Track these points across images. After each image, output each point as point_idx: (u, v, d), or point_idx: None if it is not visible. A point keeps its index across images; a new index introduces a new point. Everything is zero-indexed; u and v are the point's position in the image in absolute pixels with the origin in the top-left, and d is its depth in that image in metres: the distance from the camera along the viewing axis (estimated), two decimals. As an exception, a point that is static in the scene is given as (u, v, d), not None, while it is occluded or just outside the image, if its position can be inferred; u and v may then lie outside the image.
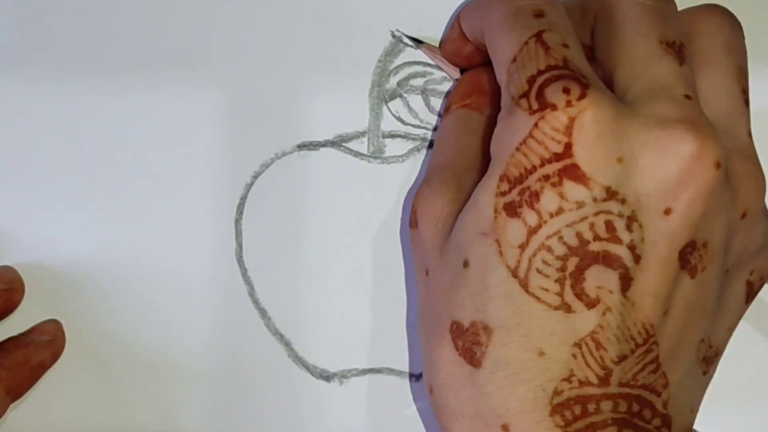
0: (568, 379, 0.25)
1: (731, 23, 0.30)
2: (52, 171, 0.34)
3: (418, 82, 0.35)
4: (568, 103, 0.25)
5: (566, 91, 0.25)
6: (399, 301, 0.34)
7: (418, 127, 0.35)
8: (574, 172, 0.25)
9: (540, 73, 0.26)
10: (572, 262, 0.25)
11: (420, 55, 0.35)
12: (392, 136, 0.35)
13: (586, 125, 0.25)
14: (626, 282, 0.25)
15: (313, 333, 0.34)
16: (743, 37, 0.30)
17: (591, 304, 0.25)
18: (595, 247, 0.25)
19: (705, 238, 0.26)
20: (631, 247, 0.25)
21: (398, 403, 0.34)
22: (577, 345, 0.24)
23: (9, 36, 0.35)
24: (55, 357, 0.33)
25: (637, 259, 0.25)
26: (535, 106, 0.25)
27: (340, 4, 0.35)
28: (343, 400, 0.34)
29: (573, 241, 0.25)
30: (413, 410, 0.34)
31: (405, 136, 0.35)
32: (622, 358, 0.25)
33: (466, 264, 0.26)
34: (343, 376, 0.34)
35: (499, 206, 0.25)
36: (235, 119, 0.35)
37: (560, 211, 0.25)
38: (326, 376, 0.34)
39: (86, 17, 0.35)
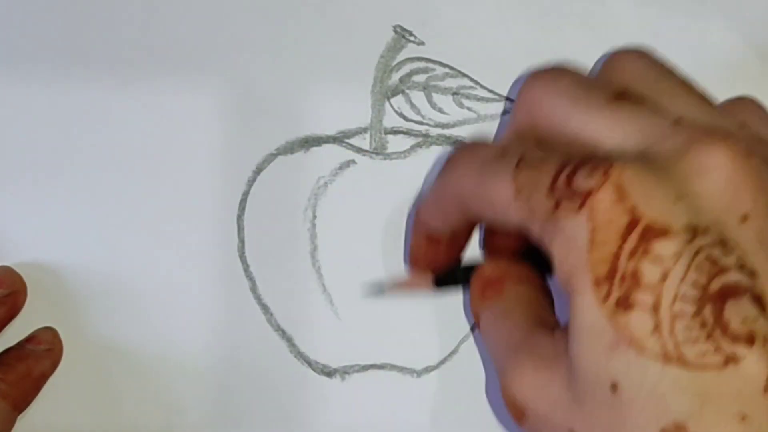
0: None
1: (639, 52, 0.29)
2: (52, 170, 0.34)
3: (420, 78, 0.35)
4: (605, 176, 0.24)
5: (593, 170, 0.24)
6: (401, 297, 0.34)
7: (420, 123, 0.35)
8: (654, 231, 0.23)
9: (554, 180, 0.25)
10: (708, 312, 0.23)
11: (422, 51, 0.35)
12: (394, 132, 0.35)
13: (635, 183, 0.24)
14: (759, 301, 0.23)
15: (315, 329, 0.34)
16: (658, 55, 0.29)
17: (749, 340, 0.23)
18: (714, 285, 0.23)
19: None
20: (740, 267, 0.24)
21: (400, 399, 0.34)
22: (767, 389, 0.23)
23: (9, 35, 0.34)
24: (54, 365, 0.33)
25: (752, 274, 0.24)
26: (576, 203, 0.24)
27: (343, 1, 0.35)
28: (344, 396, 0.34)
29: (695, 293, 0.23)
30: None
31: (407, 132, 0.35)
32: None
33: (615, 387, 0.24)
34: (345, 372, 0.34)
35: (611, 309, 0.24)
36: (237, 115, 0.34)
37: (665, 273, 0.23)
38: (328, 372, 0.34)
39: (87, 14, 0.34)
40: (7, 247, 0.34)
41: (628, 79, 0.28)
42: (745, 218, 0.24)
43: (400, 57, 0.35)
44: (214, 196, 0.34)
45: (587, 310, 0.24)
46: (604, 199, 0.24)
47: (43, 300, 0.34)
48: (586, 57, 0.35)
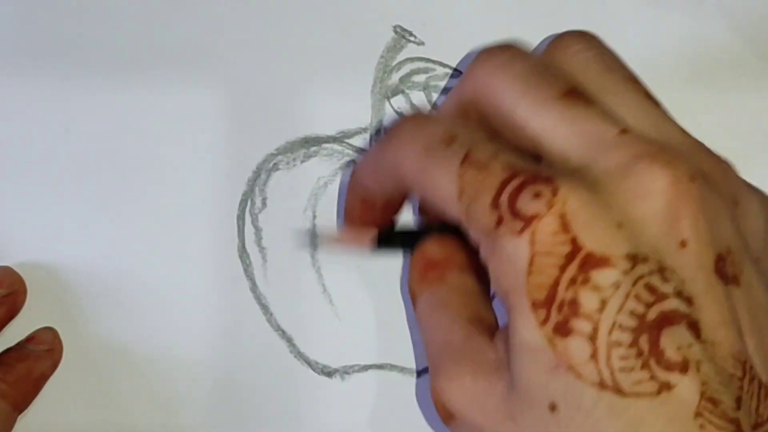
0: None
1: (587, 41, 0.29)
2: (52, 170, 0.34)
3: (420, 78, 0.35)
4: (549, 204, 0.24)
5: (538, 195, 0.24)
6: (401, 297, 0.34)
7: (420, 123, 0.35)
8: (593, 261, 0.24)
9: (498, 194, 0.25)
10: (644, 341, 0.23)
11: (422, 51, 0.35)
12: (394, 132, 0.35)
13: (578, 213, 0.24)
14: (695, 328, 0.24)
15: (315, 329, 0.34)
16: (604, 44, 0.29)
17: (683, 367, 0.23)
18: (652, 314, 0.24)
19: (725, 246, 0.25)
20: (678, 294, 0.24)
21: (400, 399, 0.34)
22: (698, 414, 0.23)
23: (9, 35, 0.34)
24: (54, 366, 0.33)
25: (689, 301, 0.24)
26: (519, 226, 0.24)
27: (342, 1, 0.35)
28: (345, 397, 0.34)
29: (632, 322, 0.24)
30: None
31: (407, 133, 0.35)
32: (739, 401, 0.24)
33: (553, 408, 0.24)
34: (345, 372, 0.34)
35: (549, 334, 0.24)
36: (237, 115, 0.34)
37: (604, 303, 0.24)
38: (328, 372, 0.34)
39: (88, 14, 0.34)
40: (7, 247, 0.34)
41: (577, 70, 0.28)
42: (683, 244, 0.24)
43: (400, 57, 0.35)
44: (214, 196, 0.34)
45: (527, 331, 0.24)
46: (546, 228, 0.24)
47: (43, 300, 0.34)
48: (586, 57, 0.35)
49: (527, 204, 0.24)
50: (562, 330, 0.24)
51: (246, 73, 0.35)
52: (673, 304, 0.24)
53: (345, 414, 0.34)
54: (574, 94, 0.26)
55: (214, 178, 0.34)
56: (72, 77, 0.34)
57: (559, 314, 0.24)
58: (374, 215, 0.31)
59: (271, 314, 0.34)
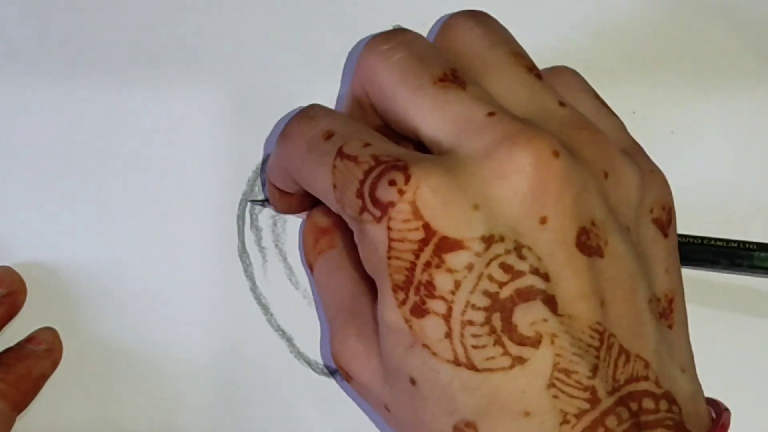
0: (565, 421, 0.24)
1: (475, 19, 0.29)
2: (52, 170, 0.34)
3: (420, 78, 0.35)
4: (401, 192, 0.25)
5: (392, 183, 0.25)
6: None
7: (420, 123, 0.35)
8: (446, 245, 0.24)
9: (362, 183, 0.26)
10: (496, 319, 0.24)
11: (422, 51, 0.35)
12: (394, 132, 0.35)
13: (427, 199, 0.25)
14: (551, 302, 0.25)
15: (315, 329, 0.34)
16: (495, 20, 0.29)
17: (536, 341, 0.24)
18: (505, 292, 0.24)
19: (589, 218, 0.25)
20: (534, 271, 0.25)
21: (400, 399, 0.34)
22: (551, 385, 0.24)
23: (9, 35, 0.34)
24: (54, 366, 0.33)
25: (545, 277, 0.25)
26: (377, 213, 0.25)
27: (343, 1, 0.35)
28: (345, 397, 0.34)
29: (485, 302, 0.24)
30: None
31: (407, 133, 0.35)
32: (595, 369, 0.25)
33: (413, 382, 0.26)
34: (345, 372, 0.34)
35: (407, 314, 0.25)
36: (237, 115, 0.34)
37: (458, 284, 0.24)
38: (328, 372, 0.34)
39: (88, 14, 0.35)
40: (7, 247, 0.34)
41: (459, 51, 0.28)
42: (544, 221, 0.25)
43: (400, 57, 0.35)
44: (214, 196, 0.34)
45: (388, 311, 0.26)
46: (398, 216, 0.25)
47: (43, 300, 0.34)
48: (586, 58, 0.35)
49: (384, 192, 0.25)
50: (418, 311, 0.25)
51: (245, 74, 0.35)
52: (528, 281, 0.25)
53: (345, 414, 0.34)
54: (448, 79, 0.27)
55: (214, 178, 0.34)
56: (72, 77, 0.34)
57: (416, 296, 0.25)
58: (292, 202, 0.32)
59: (271, 314, 0.34)
